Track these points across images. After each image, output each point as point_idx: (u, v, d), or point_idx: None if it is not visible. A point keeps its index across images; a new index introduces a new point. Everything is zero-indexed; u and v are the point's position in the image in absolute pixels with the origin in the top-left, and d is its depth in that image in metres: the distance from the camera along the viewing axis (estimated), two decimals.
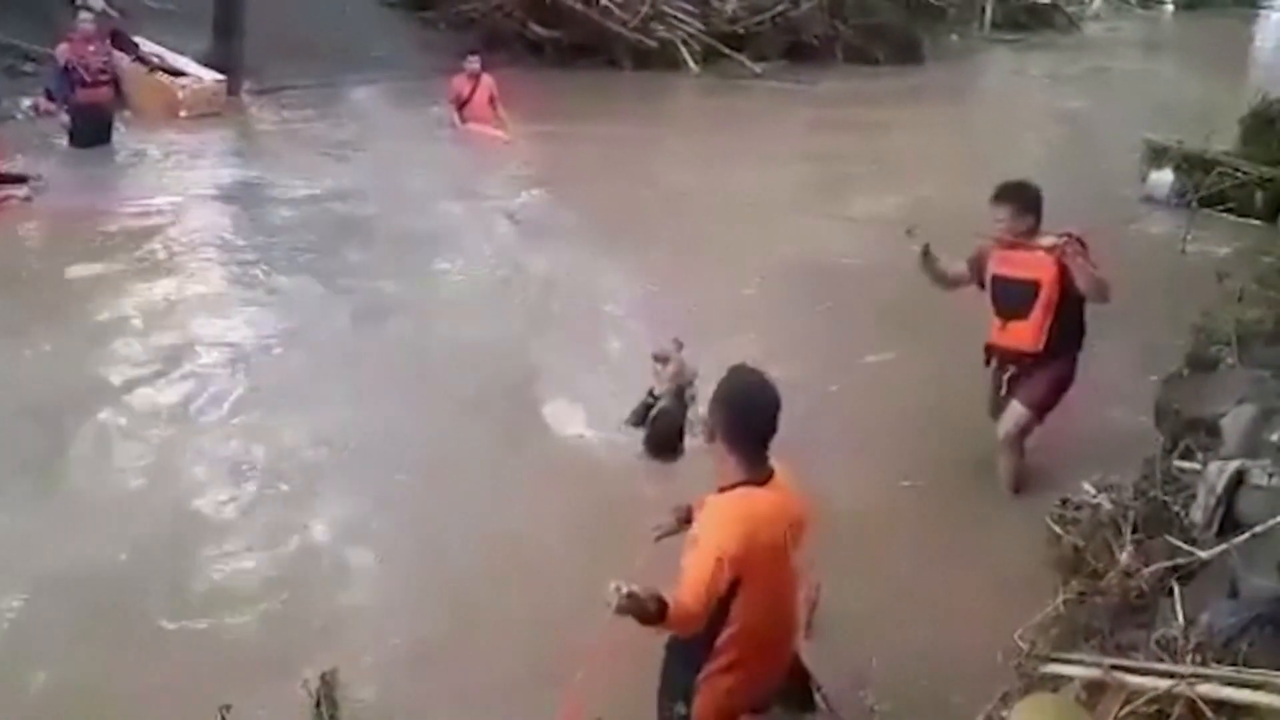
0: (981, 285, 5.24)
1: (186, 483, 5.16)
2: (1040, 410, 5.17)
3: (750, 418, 3.05)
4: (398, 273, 7.94)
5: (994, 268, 5.15)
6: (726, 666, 3.06)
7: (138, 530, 4.75)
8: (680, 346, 5.79)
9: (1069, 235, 4.94)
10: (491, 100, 12.17)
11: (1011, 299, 5.10)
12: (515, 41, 16.82)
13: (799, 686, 3.47)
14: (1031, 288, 5.01)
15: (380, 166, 10.96)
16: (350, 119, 13.35)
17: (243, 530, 4.83)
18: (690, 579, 2.88)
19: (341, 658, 3.74)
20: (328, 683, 3.43)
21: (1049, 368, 5.12)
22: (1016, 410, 5.16)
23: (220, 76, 12.76)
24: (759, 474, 3.06)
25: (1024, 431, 5.20)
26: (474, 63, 12.24)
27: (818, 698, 3.47)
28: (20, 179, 9.13)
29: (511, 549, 4.71)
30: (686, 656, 3.09)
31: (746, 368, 3.16)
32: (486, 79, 12.22)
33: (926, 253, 5.16)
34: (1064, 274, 4.93)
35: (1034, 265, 4.99)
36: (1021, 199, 5.02)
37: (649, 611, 2.73)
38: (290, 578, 4.51)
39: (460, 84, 12.20)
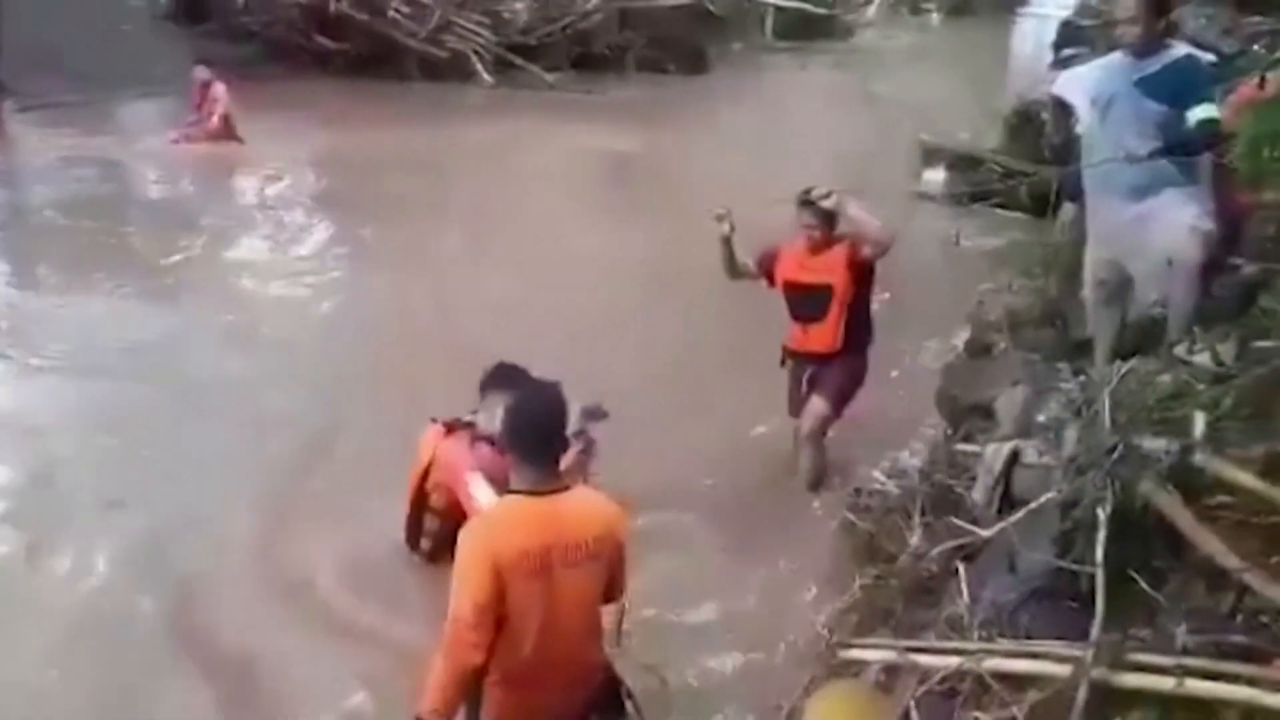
0: (771, 283, 5.38)
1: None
2: (838, 405, 5.34)
3: (526, 429, 3.09)
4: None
5: (786, 273, 5.29)
6: (499, 679, 3.08)
7: None
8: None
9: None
10: (225, 116, 11.49)
11: (808, 304, 5.25)
12: (300, 53, 16.27)
13: (610, 695, 3.45)
14: (826, 291, 5.18)
15: (147, 182, 10.79)
16: (118, 135, 12.64)
17: None
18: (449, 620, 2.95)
19: None
20: None
21: (844, 364, 5.30)
22: (816, 405, 5.30)
23: None
24: (540, 486, 3.06)
25: (825, 425, 5.35)
26: (202, 72, 11.64)
27: (628, 705, 3.46)
28: None
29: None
30: None
31: (537, 382, 3.21)
32: (218, 88, 11.58)
33: (728, 240, 5.28)
34: (853, 272, 5.13)
35: (826, 269, 5.17)
36: (826, 208, 5.10)
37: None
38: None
39: (194, 96, 11.53)
